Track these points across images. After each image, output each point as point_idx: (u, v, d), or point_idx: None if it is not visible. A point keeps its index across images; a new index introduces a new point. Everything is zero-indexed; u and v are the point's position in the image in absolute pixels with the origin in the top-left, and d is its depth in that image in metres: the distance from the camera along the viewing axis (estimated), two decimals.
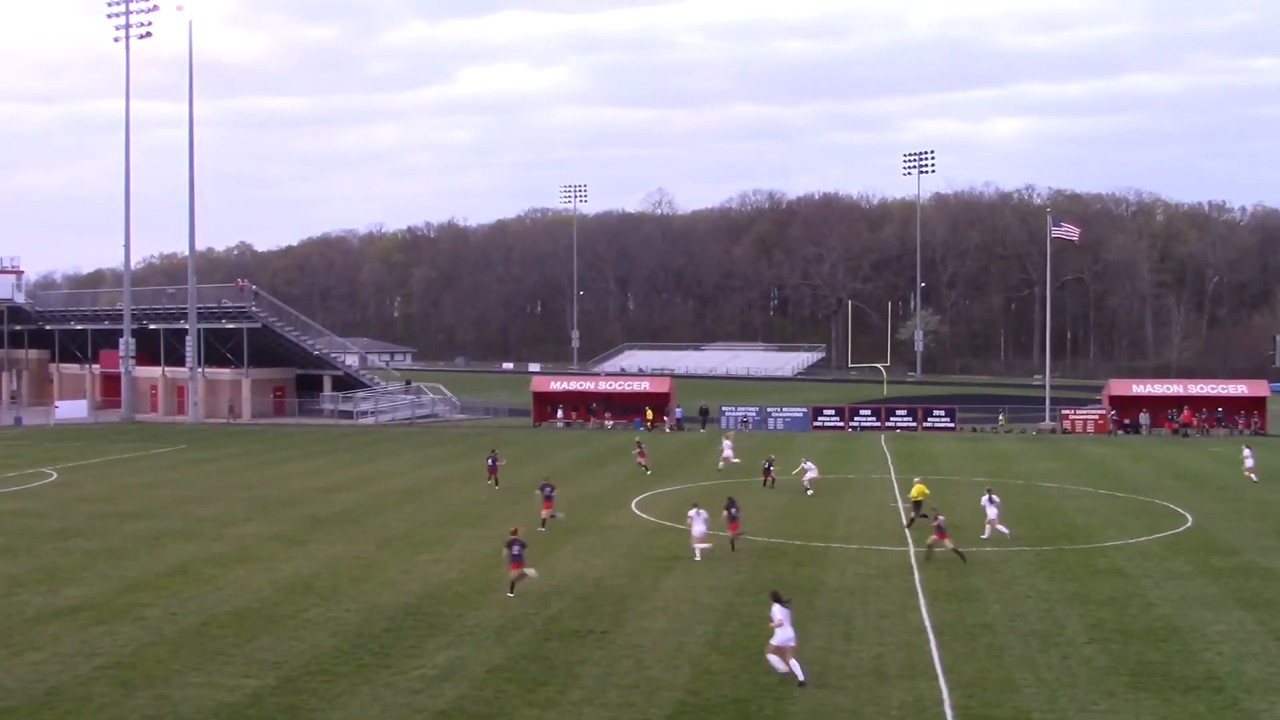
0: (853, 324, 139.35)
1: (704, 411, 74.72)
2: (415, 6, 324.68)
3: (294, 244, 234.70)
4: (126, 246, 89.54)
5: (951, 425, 71.40)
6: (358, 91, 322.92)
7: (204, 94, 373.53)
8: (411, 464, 52.89)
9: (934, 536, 29.92)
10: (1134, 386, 76.77)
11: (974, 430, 71.40)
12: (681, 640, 22.43)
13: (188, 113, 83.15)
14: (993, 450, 60.15)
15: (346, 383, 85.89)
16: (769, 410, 74.70)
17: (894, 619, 24.09)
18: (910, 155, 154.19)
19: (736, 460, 49.41)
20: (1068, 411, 72.85)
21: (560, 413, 75.38)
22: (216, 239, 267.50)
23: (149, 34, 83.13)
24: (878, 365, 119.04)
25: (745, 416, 73.96)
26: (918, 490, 35.74)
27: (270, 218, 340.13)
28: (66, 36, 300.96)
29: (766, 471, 44.09)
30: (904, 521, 35.50)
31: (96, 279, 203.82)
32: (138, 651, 21.85)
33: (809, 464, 42.58)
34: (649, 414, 72.67)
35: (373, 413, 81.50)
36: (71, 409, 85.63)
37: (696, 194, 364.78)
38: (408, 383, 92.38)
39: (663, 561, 29.99)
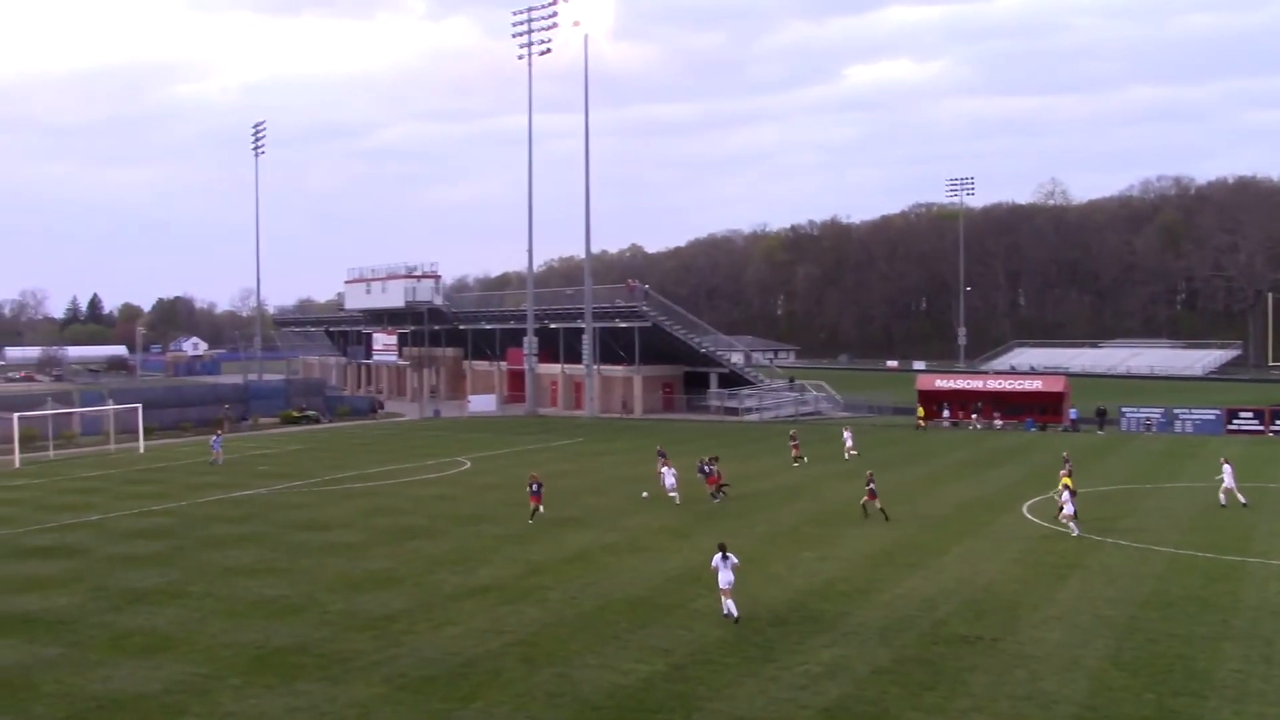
0: (1273, 318, 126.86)
1: (1101, 412, 70.57)
2: (799, 7, 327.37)
3: (681, 245, 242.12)
4: (530, 251, 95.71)
5: None
6: (741, 95, 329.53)
7: (598, 105, 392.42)
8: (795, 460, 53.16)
9: (866, 498, 35.92)
10: None
11: None
12: (1079, 653, 21.28)
13: (583, 123, 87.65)
14: None
15: (732, 380, 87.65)
16: (1176, 412, 69.49)
17: None
18: None
19: (855, 451, 53.77)
20: None
21: (946, 412, 73.62)
22: (610, 241, 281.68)
23: (548, 50, 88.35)
24: None
25: (1149, 418, 69.24)
26: (1065, 482, 35.54)
27: (659, 220, 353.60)
28: (475, 59, 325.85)
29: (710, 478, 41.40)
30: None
31: (503, 282, 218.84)
32: (541, 631, 23.26)
33: (1227, 467, 39.09)
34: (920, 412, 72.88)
35: (757, 409, 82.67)
36: (482, 403, 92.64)
37: (1092, 182, 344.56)
38: (791, 380, 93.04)
39: (1058, 569, 28.58)
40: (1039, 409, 71.70)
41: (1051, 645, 21.77)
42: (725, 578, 23.97)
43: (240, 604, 26.02)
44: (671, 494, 40.24)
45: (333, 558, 31.34)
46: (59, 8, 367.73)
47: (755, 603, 25.27)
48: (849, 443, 54.96)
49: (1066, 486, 34.88)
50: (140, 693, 19.77)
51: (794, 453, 53.11)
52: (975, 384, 78.43)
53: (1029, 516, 36.64)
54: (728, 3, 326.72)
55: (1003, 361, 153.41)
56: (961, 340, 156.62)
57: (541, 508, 37.00)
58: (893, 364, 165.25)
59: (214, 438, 57.77)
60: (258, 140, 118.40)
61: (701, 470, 42.24)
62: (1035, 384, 77.12)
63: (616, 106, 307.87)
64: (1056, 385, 74.28)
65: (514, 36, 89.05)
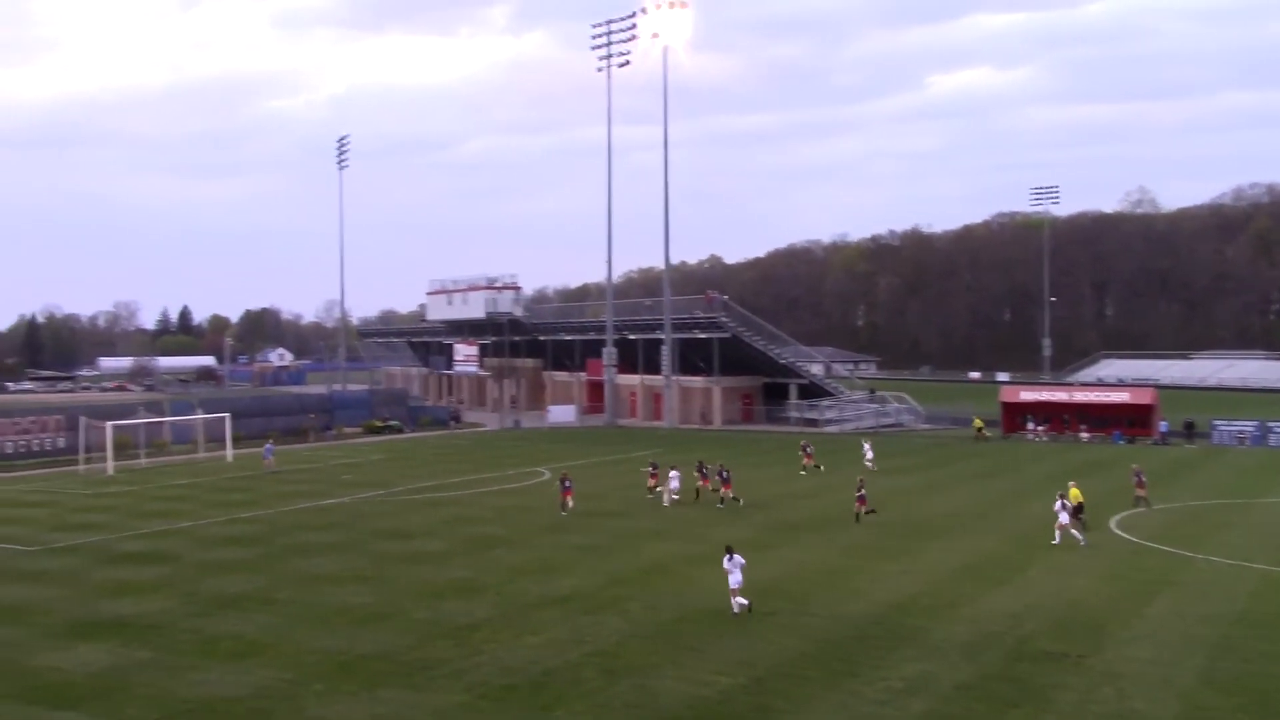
0: None
1: (1189, 426, 69.03)
2: (881, 16, 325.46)
3: (760, 255, 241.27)
4: (609, 263, 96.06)
5: None
6: (822, 105, 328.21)
7: (678, 116, 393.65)
8: (876, 473, 52.70)
9: (858, 505, 38.14)
10: None
11: None
12: (1169, 671, 20.81)
13: (663, 135, 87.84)
14: None
15: (812, 391, 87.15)
16: (1270, 425, 67.66)
17: None
18: None
19: (874, 468, 52.85)
20: None
21: (1031, 424, 72.49)
22: (689, 252, 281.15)
23: (627, 62, 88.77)
24: None
25: (1242, 432, 67.54)
26: (1075, 494, 36.19)
27: (738, 231, 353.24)
28: (555, 72, 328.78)
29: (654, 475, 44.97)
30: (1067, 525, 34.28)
31: (582, 293, 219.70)
32: (621, 642, 23.30)
33: None
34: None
35: (837, 421, 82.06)
36: (561, 413, 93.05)
37: (1183, 190, 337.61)
38: (872, 391, 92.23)
39: (1148, 585, 27.97)
40: (1127, 421, 70.31)
41: (1141, 663, 21.32)
42: (735, 579, 25.26)
43: (326, 611, 26.42)
44: (674, 496, 42.71)
45: (416, 566, 31.70)
46: (154, 28, 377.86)
47: (836, 617, 25.09)
48: (869, 455, 54.76)
49: (1062, 496, 34.98)
50: (229, 696, 20.16)
51: (805, 461, 53.70)
52: (1061, 395, 77.15)
53: (1117, 531, 35.93)
54: (809, 13, 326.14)
55: (1089, 373, 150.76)
56: (1047, 351, 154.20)
57: (571, 501, 41.27)
58: (975, 375, 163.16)
59: (267, 445, 59.58)
60: (342, 154, 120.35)
61: (716, 473, 43.70)
62: (1123, 396, 75.52)
63: (696, 117, 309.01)
64: (1145, 397, 72.75)
65: (593, 49, 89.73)
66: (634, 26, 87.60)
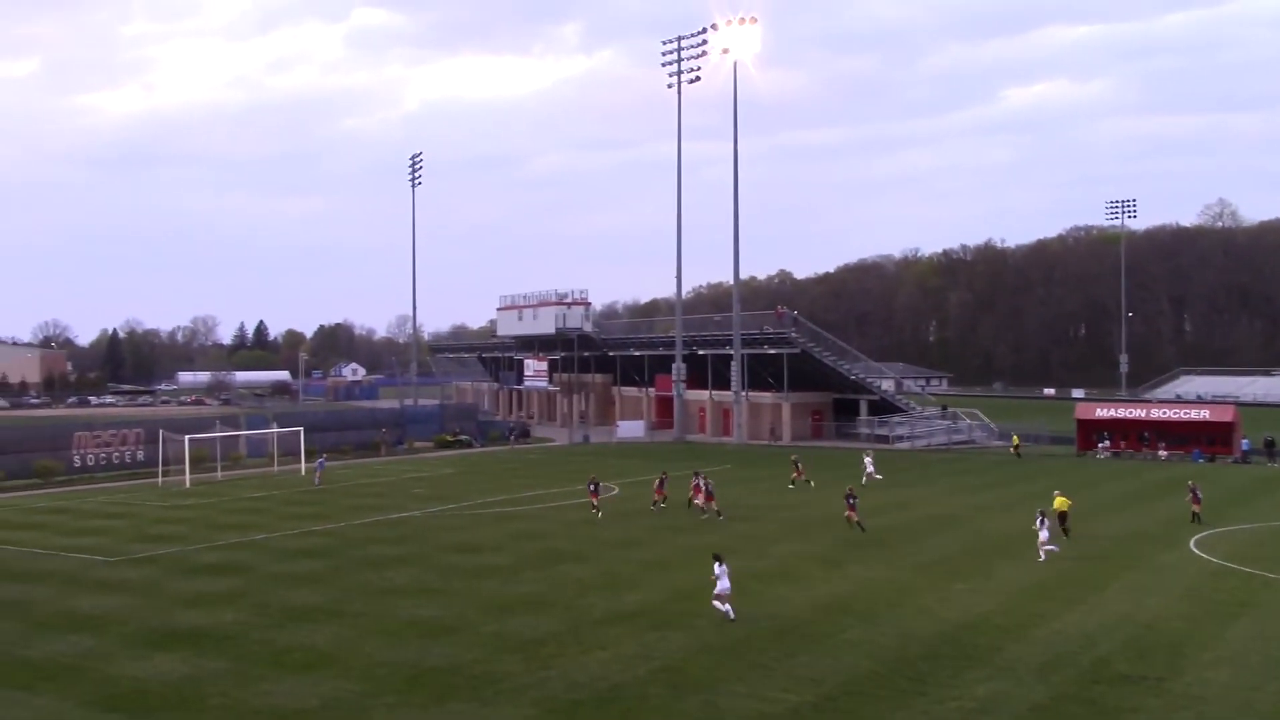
0: None
1: (1271, 444, 67.36)
2: (954, 29, 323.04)
3: (830, 270, 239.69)
4: (678, 278, 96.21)
5: None
6: (894, 119, 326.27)
7: (748, 131, 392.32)
8: (947, 490, 52.18)
9: (847, 511, 39.48)
10: None
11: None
12: (1250, 695, 20.30)
13: (732, 150, 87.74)
14: None
15: (882, 407, 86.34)
16: None
17: None
18: None
19: (879, 476, 53.98)
20: None
21: (1107, 442, 71.18)
22: (758, 267, 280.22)
23: (697, 78, 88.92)
24: None
25: None
26: (1060, 503, 37.43)
27: (808, 245, 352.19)
28: (626, 88, 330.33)
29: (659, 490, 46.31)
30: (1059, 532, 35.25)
31: (651, 308, 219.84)
32: (688, 658, 23.22)
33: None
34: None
35: (909, 437, 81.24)
36: (630, 428, 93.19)
37: (1265, 204, 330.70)
38: (944, 408, 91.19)
39: (1228, 607, 27.32)
40: (1207, 439, 68.79)
41: (1220, 687, 20.82)
42: (723, 585, 26.16)
43: (395, 624, 26.65)
44: (702, 503, 44.79)
45: (484, 580, 31.88)
46: (234, 50, 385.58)
47: (906, 635, 24.80)
48: (870, 468, 54.71)
49: (1042, 513, 34.76)
50: (299, 708, 20.39)
51: (794, 475, 53.98)
52: (1138, 413, 75.62)
53: (1197, 551, 35.15)
54: (881, 27, 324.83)
55: (1168, 390, 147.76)
56: (1123, 368, 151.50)
57: (596, 504, 44.28)
58: (1050, 392, 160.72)
59: (319, 460, 60.37)
60: (415, 171, 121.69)
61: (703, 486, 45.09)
62: (1203, 413, 73.83)
63: (766, 132, 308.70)
64: (1225, 415, 71.12)
65: (664, 65, 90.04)
66: (704, 42, 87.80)
